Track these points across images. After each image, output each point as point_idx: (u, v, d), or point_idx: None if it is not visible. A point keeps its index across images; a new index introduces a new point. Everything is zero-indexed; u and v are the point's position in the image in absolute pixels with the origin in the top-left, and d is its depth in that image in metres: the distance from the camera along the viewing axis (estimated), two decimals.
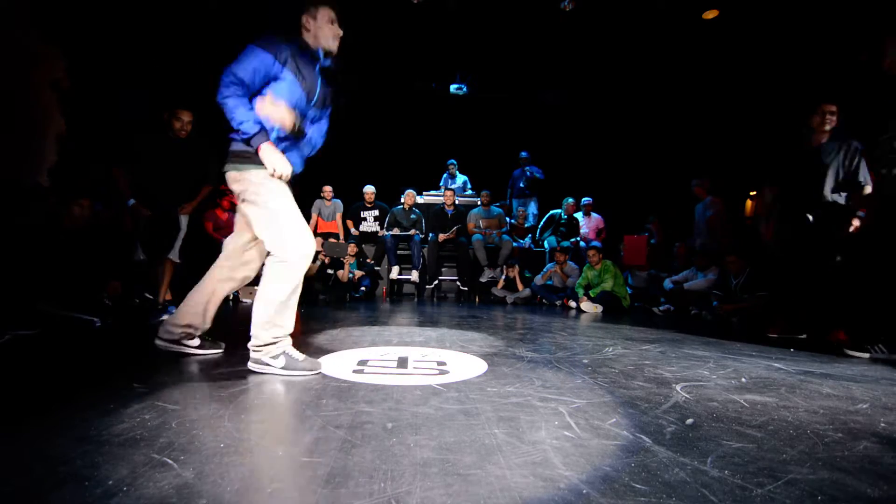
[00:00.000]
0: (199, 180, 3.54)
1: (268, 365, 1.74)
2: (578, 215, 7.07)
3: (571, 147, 8.30)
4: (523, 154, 7.49)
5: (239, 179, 1.78)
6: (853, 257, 2.88)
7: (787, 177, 3.29)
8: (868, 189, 2.96)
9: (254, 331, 1.75)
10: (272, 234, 1.74)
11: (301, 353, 1.79)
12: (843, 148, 3.03)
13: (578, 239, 6.77)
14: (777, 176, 3.39)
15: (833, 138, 3.09)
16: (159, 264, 3.43)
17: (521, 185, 7.50)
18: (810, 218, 3.09)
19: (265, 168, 1.72)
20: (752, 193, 6.46)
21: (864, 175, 2.97)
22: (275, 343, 1.75)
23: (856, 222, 2.90)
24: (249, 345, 1.77)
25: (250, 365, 1.78)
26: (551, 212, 7.10)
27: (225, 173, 1.80)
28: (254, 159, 1.74)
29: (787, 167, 3.30)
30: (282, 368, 1.73)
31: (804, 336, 3.13)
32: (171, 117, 3.29)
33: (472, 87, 7.99)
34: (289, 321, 1.78)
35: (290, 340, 1.80)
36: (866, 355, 2.50)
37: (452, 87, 7.96)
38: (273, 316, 1.72)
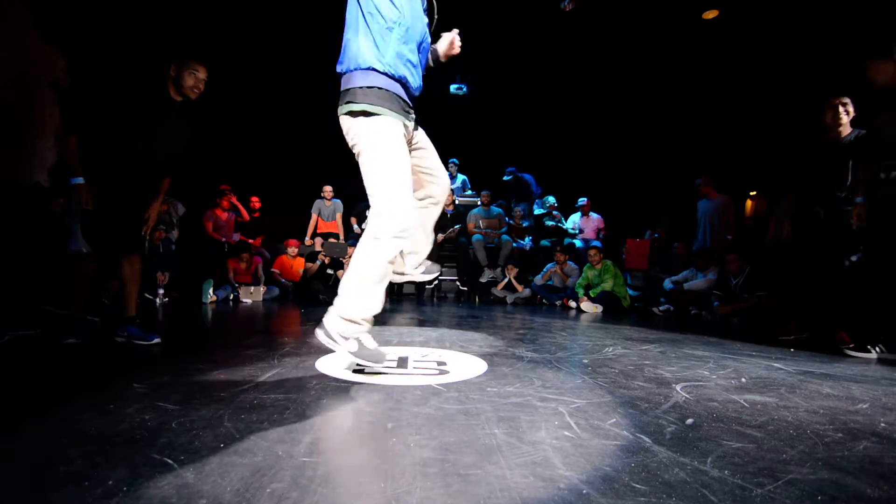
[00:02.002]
0: (166, 165, 2.57)
1: (334, 342, 1.71)
2: (577, 216, 7.07)
3: (572, 147, 8.29)
4: (507, 173, 7.48)
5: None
6: (863, 257, 2.82)
7: (806, 175, 3.17)
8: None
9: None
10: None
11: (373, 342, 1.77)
12: (860, 139, 2.90)
13: (572, 240, 6.79)
14: (796, 178, 3.24)
15: (852, 130, 2.97)
16: (127, 262, 2.48)
17: (514, 198, 7.54)
18: (821, 213, 3.02)
19: None
20: (752, 193, 6.46)
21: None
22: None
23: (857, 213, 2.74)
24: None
25: (318, 332, 1.74)
26: (536, 211, 7.17)
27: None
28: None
29: (805, 166, 3.18)
30: (350, 352, 1.71)
31: (805, 336, 3.12)
32: (183, 69, 2.40)
33: (472, 87, 7.99)
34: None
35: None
36: (867, 355, 2.50)
37: (452, 88, 7.95)
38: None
